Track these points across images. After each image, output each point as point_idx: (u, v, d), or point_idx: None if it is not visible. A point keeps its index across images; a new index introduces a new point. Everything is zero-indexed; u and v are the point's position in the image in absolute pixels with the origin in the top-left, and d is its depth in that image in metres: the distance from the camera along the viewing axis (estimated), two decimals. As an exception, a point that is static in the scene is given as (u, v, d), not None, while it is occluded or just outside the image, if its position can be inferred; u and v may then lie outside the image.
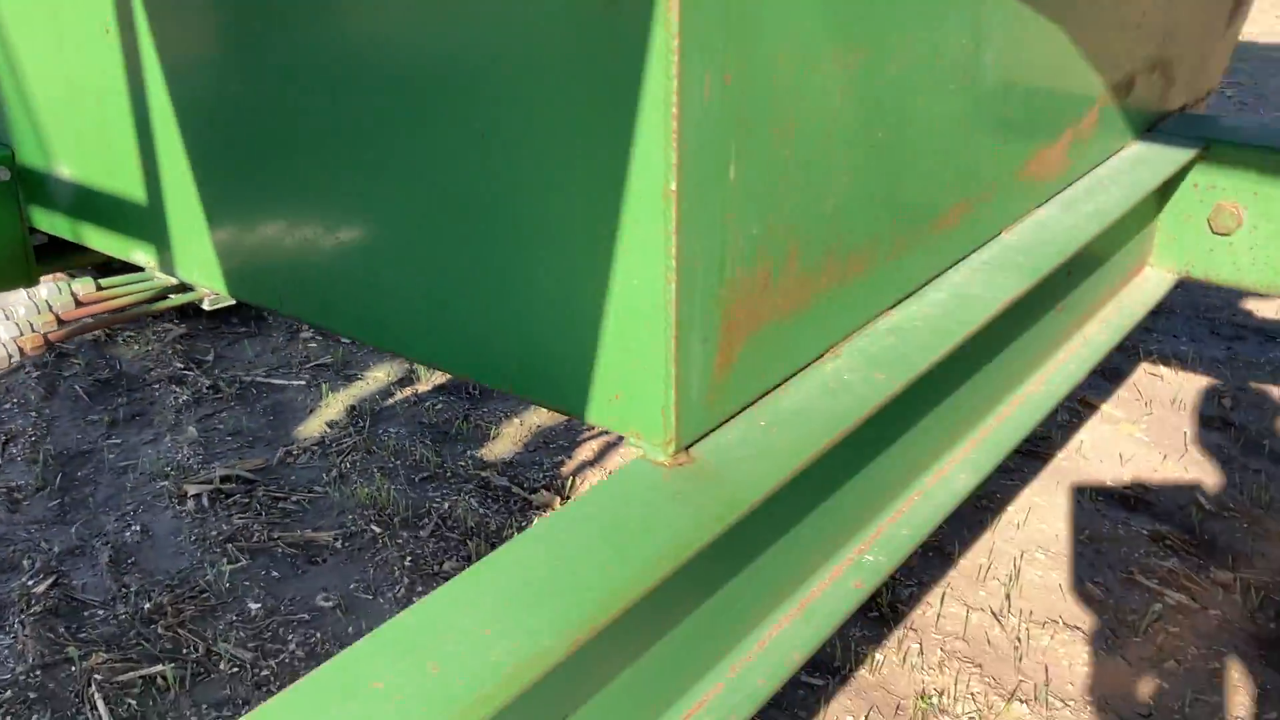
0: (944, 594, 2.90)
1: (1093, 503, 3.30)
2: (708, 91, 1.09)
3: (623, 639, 1.15)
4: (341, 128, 1.39)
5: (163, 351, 4.41)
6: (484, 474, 3.55)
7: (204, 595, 2.98)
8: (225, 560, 3.12)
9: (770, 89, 1.18)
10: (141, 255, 1.82)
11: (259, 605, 2.94)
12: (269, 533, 3.24)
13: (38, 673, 2.70)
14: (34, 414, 3.97)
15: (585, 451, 3.70)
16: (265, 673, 2.70)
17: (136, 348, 4.45)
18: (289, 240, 1.55)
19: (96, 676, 2.68)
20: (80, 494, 3.49)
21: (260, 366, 4.32)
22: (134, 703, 2.61)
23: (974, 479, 1.80)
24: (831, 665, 2.66)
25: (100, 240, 1.88)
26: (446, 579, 1.48)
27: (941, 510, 1.73)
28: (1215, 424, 3.77)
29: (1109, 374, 4.11)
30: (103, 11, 1.61)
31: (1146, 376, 4.10)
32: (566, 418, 3.41)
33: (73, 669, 2.71)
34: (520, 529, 3.24)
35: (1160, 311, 4.65)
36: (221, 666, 2.72)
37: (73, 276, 2.08)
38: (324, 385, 4.13)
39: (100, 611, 2.94)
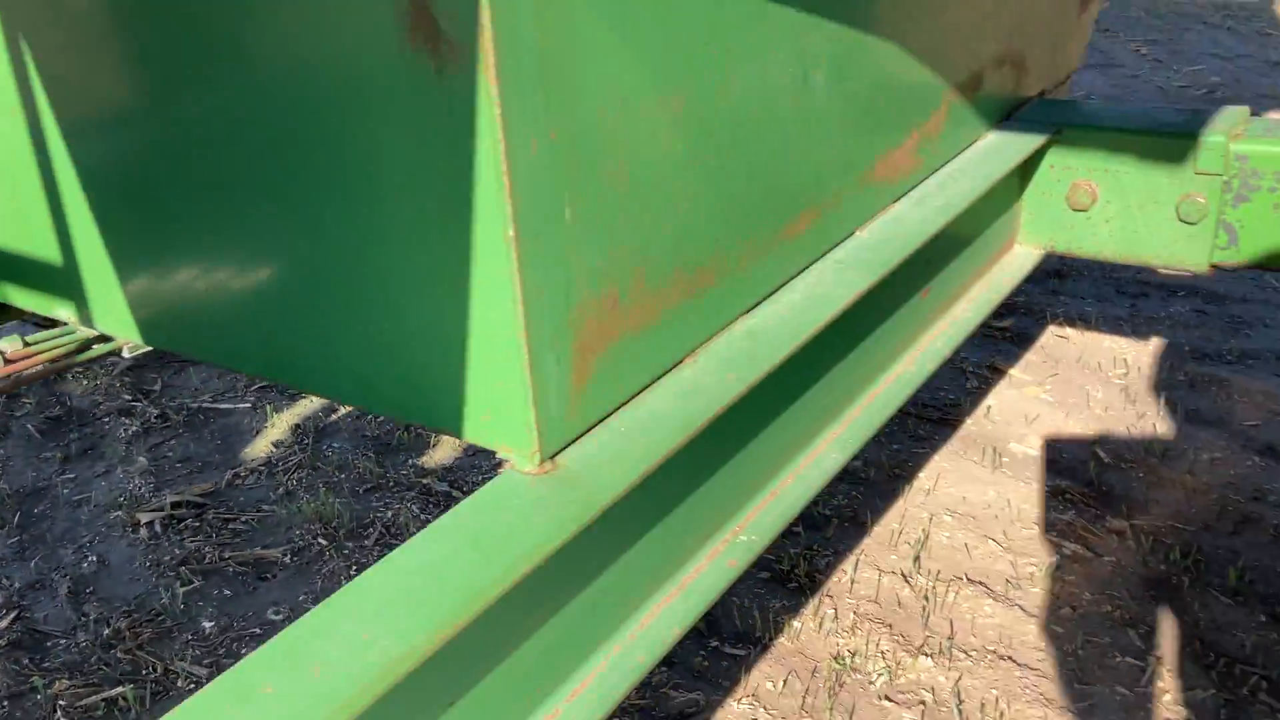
0: (858, 560, 3.09)
1: (998, 464, 3.51)
2: (534, 148, 1.25)
3: (497, 631, 1.32)
4: (226, 184, 1.53)
5: (111, 384, 4.53)
6: (425, 481, 3.71)
7: (160, 618, 3.12)
8: (179, 583, 3.26)
9: (596, 138, 1.34)
10: (63, 311, 1.96)
11: (213, 624, 3.09)
12: (220, 553, 3.38)
13: (4, 704, 2.84)
14: (-14, 455, 4.09)
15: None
16: (223, 686, 2.85)
17: (86, 382, 4.56)
18: (194, 289, 1.69)
19: (61, 702, 2.82)
20: (38, 530, 3.61)
21: (206, 392, 4.45)
22: (98, 725, 2.76)
23: (843, 456, 1.98)
24: (753, 635, 2.84)
25: (24, 299, 2.02)
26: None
27: (813, 488, 1.91)
28: (1116, 379, 3.98)
29: (1018, 339, 4.32)
30: (7, 94, 1.74)
31: (1054, 339, 4.31)
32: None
33: (38, 697, 2.85)
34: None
35: (1068, 275, 4.87)
36: (179, 684, 2.86)
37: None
38: (269, 406, 4.26)
39: (62, 640, 3.07)
